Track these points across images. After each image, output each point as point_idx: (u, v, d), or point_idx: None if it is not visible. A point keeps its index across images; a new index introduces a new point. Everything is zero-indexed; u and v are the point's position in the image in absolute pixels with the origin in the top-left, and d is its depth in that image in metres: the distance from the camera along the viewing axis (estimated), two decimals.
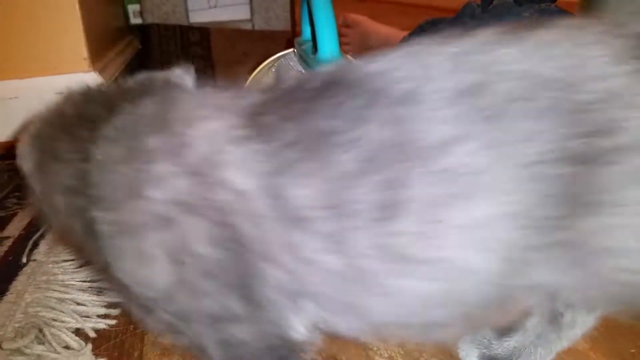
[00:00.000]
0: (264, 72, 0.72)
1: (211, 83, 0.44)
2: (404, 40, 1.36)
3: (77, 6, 1.05)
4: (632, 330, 0.51)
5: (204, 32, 1.52)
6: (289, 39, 1.47)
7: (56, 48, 1.07)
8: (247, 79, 0.75)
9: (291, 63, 0.62)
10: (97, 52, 1.17)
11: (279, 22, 1.70)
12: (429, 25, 1.32)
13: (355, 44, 1.50)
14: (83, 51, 1.08)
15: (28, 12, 1.03)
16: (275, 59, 0.71)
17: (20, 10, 1.03)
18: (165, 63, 1.53)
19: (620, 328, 0.52)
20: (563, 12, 1.03)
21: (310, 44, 0.63)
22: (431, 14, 1.45)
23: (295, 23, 1.71)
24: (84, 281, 0.61)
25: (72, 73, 1.08)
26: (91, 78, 1.10)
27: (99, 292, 0.59)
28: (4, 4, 1.02)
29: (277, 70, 0.68)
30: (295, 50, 0.67)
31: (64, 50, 1.08)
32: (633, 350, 0.49)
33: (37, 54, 1.07)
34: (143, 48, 1.48)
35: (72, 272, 0.64)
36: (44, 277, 0.62)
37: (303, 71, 0.57)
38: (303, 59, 0.60)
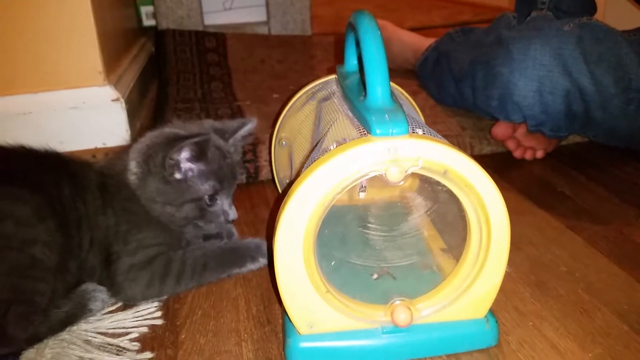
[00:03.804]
0: (303, 100, 0.66)
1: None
2: (430, 48, 1.30)
3: (91, 19, 0.99)
4: None
5: (219, 37, 1.46)
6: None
7: (70, 62, 1.02)
8: (277, 101, 0.70)
9: (336, 101, 0.56)
10: (112, 63, 1.12)
11: (296, 25, 1.65)
12: (459, 34, 1.26)
13: None
14: (98, 64, 1.03)
15: (40, 25, 0.98)
16: (315, 86, 0.65)
17: (33, 23, 0.98)
18: (181, 71, 1.46)
19: None
20: (604, 26, 0.97)
21: (354, 77, 0.57)
22: (448, 8, 1.39)
23: (312, 27, 1.66)
24: (106, 333, 0.58)
25: (86, 87, 1.03)
26: (106, 92, 1.05)
27: (119, 351, 0.56)
28: (16, 17, 0.97)
29: (319, 102, 0.62)
30: (337, 79, 0.61)
31: (78, 64, 1.02)
32: None
33: (50, 68, 1.02)
34: (157, 55, 1.43)
35: (95, 320, 0.60)
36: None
37: (349, 113, 0.51)
38: (346, 96, 0.54)
